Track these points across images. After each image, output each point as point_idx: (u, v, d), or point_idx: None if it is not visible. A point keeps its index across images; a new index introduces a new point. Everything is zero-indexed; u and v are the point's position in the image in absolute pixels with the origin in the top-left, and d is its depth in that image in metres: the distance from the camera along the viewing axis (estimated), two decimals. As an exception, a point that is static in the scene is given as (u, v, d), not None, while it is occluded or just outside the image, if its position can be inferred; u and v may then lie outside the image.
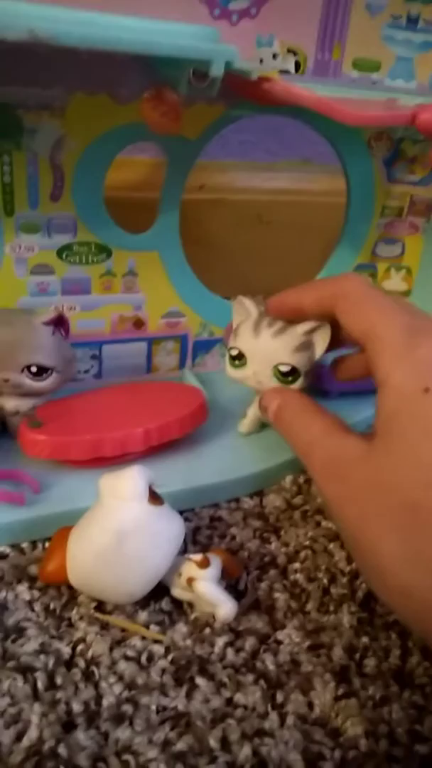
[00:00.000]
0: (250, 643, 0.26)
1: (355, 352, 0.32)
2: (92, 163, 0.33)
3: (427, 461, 0.23)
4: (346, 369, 0.32)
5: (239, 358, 0.33)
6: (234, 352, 0.33)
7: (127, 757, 0.22)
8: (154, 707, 0.23)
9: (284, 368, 0.31)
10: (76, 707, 0.23)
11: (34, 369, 0.31)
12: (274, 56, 0.35)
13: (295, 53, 0.35)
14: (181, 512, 0.31)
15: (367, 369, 0.30)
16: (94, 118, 0.32)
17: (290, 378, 0.32)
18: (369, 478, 0.24)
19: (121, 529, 0.25)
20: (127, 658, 0.25)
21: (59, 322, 0.32)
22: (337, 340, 0.31)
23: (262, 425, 0.37)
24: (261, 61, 0.35)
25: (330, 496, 0.26)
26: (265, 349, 0.32)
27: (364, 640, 0.27)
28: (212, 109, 0.35)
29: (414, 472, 0.23)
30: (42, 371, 0.31)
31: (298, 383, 0.32)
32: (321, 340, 0.32)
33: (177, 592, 0.27)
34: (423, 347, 0.25)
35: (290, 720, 0.23)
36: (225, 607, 0.26)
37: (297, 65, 0.36)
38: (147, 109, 0.32)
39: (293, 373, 0.32)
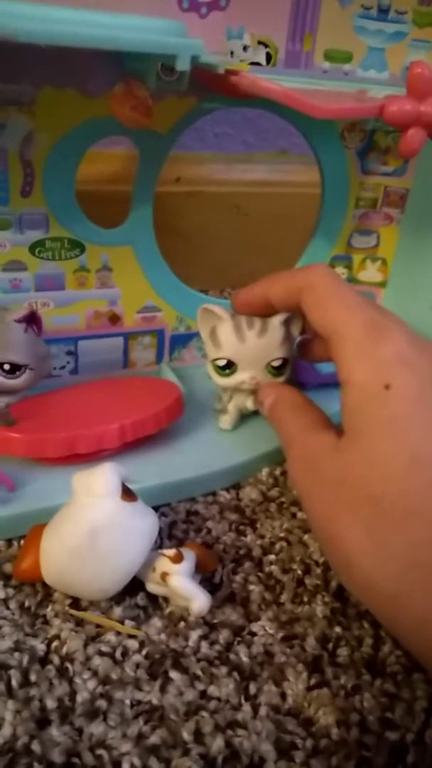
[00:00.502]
0: (224, 635, 0.26)
1: (315, 338, 0.33)
2: (63, 157, 0.33)
3: (388, 457, 0.23)
4: (312, 349, 0.33)
5: (228, 367, 0.33)
6: (222, 363, 0.33)
7: (100, 751, 0.22)
8: (128, 701, 0.24)
9: (277, 363, 0.33)
10: (50, 704, 0.23)
11: (7, 367, 0.31)
12: (245, 48, 0.35)
13: (266, 45, 0.35)
14: (157, 507, 0.31)
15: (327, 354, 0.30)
16: (64, 112, 0.32)
17: (282, 370, 0.33)
18: (336, 472, 0.25)
19: (94, 526, 0.25)
20: (101, 653, 0.25)
21: (32, 319, 0.32)
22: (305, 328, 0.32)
23: (242, 418, 0.37)
24: (231, 53, 0.34)
25: (302, 491, 0.26)
26: (255, 351, 0.33)
27: (337, 630, 0.27)
28: (183, 102, 0.35)
29: (376, 468, 0.23)
30: (15, 369, 0.31)
31: (287, 371, 0.34)
32: (295, 328, 0.33)
33: (151, 587, 0.27)
34: (383, 344, 0.25)
35: (263, 711, 0.24)
36: (199, 600, 0.26)
37: (268, 57, 0.35)
38: (117, 103, 0.31)
39: (284, 364, 0.33)
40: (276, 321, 0.32)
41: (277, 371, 0.33)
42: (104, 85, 0.32)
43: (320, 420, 0.29)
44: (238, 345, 0.32)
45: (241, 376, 0.33)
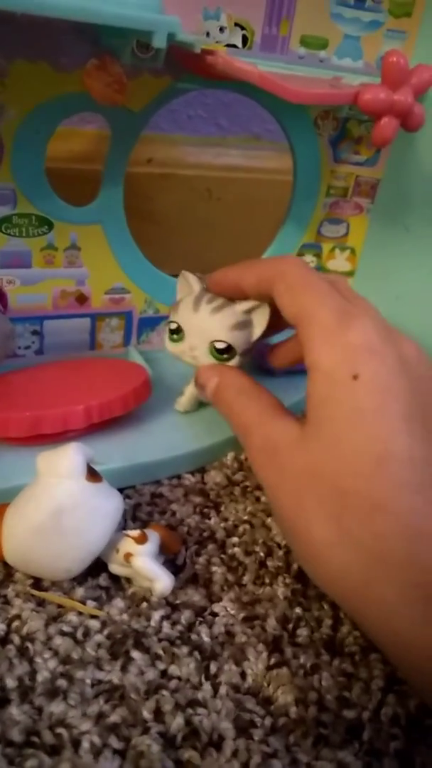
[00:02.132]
0: (185, 616, 0.26)
1: (291, 338, 0.33)
2: (33, 132, 0.32)
3: (354, 450, 0.23)
4: (282, 355, 0.33)
5: (177, 332, 0.33)
6: (173, 326, 0.33)
7: (60, 730, 0.22)
8: (88, 681, 0.24)
9: (220, 345, 0.32)
10: (10, 683, 0.23)
11: (-30, 344, 0.30)
12: (221, 30, 0.34)
13: (242, 27, 0.35)
14: (122, 489, 0.31)
15: (297, 354, 0.30)
16: (35, 86, 0.32)
17: (225, 356, 0.32)
18: (301, 465, 0.25)
19: (58, 505, 0.25)
20: (62, 633, 0.25)
21: (-3, 296, 0.31)
22: (277, 323, 0.31)
23: (200, 403, 0.37)
24: (207, 34, 0.34)
25: (265, 482, 0.26)
26: (202, 324, 0.32)
27: (297, 611, 0.28)
28: (158, 81, 0.34)
29: (342, 461, 0.23)
30: (-21, 346, 0.31)
31: (234, 361, 0.32)
32: (260, 320, 0.32)
33: (115, 567, 0.27)
34: (353, 330, 0.25)
35: (223, 690, 0.24)
36: (162, 581, 0.26)
37: (244, 40, 0.35)
38: (90, 78, 0.31)
39: (228, 351, 0.32)
40: (238, 307, 0.32)
41: (219, 354, 0.32)
42: (78, 60, 0.31)
43: (273, 405, 0.29)
44: (191, 313, 0.32)
45: (182, 345, 0.33)
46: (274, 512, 0.27)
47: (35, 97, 0.32)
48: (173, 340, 0.33)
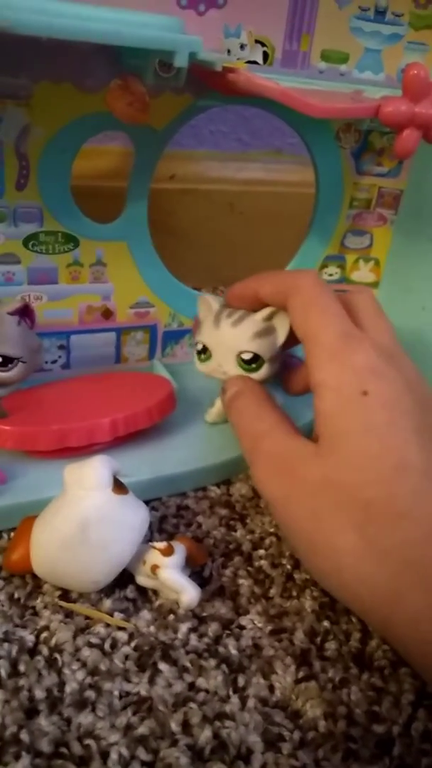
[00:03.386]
0: (213, 628, 0.26)
1: (304, 365, 0.33)
2: (58, 151, 0.33)
3: (374, 462, 0.24)
4: (297, 381, 0.33)
5: (204, 352, 0.33)
6: (199, 347, 0.34)
7: (88, 741, 0.22)
8: (116, 693, 0.24)
9: (246, 356, 0.32)
10: (39, 694, 0.23)
11: (-1, 359, 0.31)
12: (242, 47, 0.35)
13: (263, 44, 0.35)
14: (148, 501, 0.31)
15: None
16: (60, 106, 0.32)
17: (254, 365, 0.32)
18: (319, 477, 0.25)
19: (85, 518, 0.25)
20: (90, 645, 0.25)
21: (25, 312, 0.32)
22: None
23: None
24: (228, 51, 0.35)
25: (278, 493, 0.26)
26: (225, 339, 0.32)
27: (326, 624, 0.27)
28: (180, 99, 0.35)
29: (361, 472, 0.24)
30: (7, 361, 0.31)
31: (263, 370, 0.32)
32: (282, 325, 0.32)
33: (141, 579, 0.28)
34: (357, 354, 0.26)
35: (251, 703, 0.24)
36: (189, 593, 0.26)
37: (265, 56, 0.36)
38: (113, 98, 0.32)
39: (256, 360, 0.32)
40: (258, 315, 0.32)
41: (247, 365, 0.32)
42: (101, 81, 0.32)
43: (286, 421, 0.29)
44: (213, 331, 0.33)
45: (211, 364, 0.33)
46: (284, 526, 0.27)
47: (60, 117, 0.33)
48: (201, 360, 0.34)
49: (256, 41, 0.35)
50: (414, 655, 0.23)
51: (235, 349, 0.32)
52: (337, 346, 0.26)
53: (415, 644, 0.22)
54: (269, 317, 0.32)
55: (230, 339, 0.32)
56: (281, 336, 0.32)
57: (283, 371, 0.36)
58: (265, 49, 0.35)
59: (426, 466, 0.23)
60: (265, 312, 0.32)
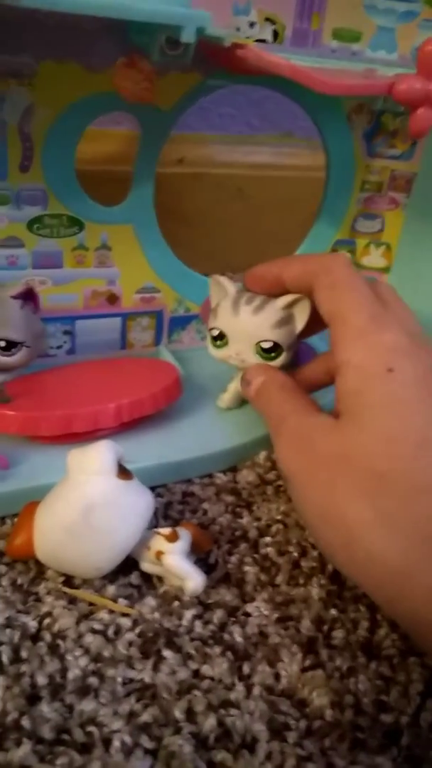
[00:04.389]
0: (218, 615, 0.26)
1: (312, 362, 0.32)
2: (63, 132, 0.33)
3: (392, 435, 0.24)
4: (306, 379, 0.32)
5: (220, 338, 0.33)
6: (215, 333, 0.33)
7: (91, 728, 0.22)
8: (119, 679, 0.23)
9: (266, 345, 0.31)
10: (41, 680, 0.23)
11: (2, 343, 0.31)
12: (252, 25, 0.34)
13: (272, 22, 0.34)
14: (154, 487, 0.31)
15: (325, 377, 0.30)
16: (65, 86, 0.32)
17: (273, 354, 0.32)
18: (337, 449, 0.25)
19: (89, 503, 0.25)
20: (93, 631, 0.25)
21: (28, 296, 0.31)
22: (316, 322, 0.31)
23: (243, 401, 0.37)
24: (237, 29, 0.34)
25: (296, 467, 0.26)
26: (245, 326, 0.32)
27: (333, 612, 0.27)
28: (187, 78, 0.34)
29: (381, 445, 0.24)
30: (11, 346, 0.31)
31: (281, 358, 0.32)
32: (301, 313, 0.32)
33: (146, 565, 0.27)
34: (386, 334, 0.26)
35: (256, 691, 0.24)
36: (194, 580, 0.26)
37: (275, 35, 0.35)
38: (120, 77, 0.31)
39: (276, 348, 0.32)
40: (278, 303, 0.31)
41: (266, 354, 0.32)
42: (107, 59, 0.31)
43: (313, 404, 0.29)
44: (232, 318, 0.32)
45: (228, 350, 0.33)
46: (300, 501, 0.26)
47: (65, 97, 0.32)
48: (217, 347, 0.33)
49: (266, 19, 0.34)
50: (424, 633, 0.22)
51: (256, 338, 0.32)
52: (367, 326, 0.26)
53: (425, 622, 0.22)
54: (290, 305, 0.31)
55: (251, 327, 0.32)
56: (300, 324, 0.32)
57: (293, 368, 0.35)
58: (274, 27, 0.35)
59: None
60: (287, 299, 0.31)
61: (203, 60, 0.33)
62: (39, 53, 0.31)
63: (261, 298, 0.32)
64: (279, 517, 0.31)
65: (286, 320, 0.32)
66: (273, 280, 0.31)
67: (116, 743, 0.21)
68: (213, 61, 0.33)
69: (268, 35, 0.35)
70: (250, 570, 0.28)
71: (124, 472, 0.26)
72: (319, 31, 0.36)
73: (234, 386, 0.36)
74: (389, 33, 0.37)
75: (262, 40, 0.35)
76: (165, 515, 0.31)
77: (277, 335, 0.32)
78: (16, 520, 0.28)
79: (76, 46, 0.31)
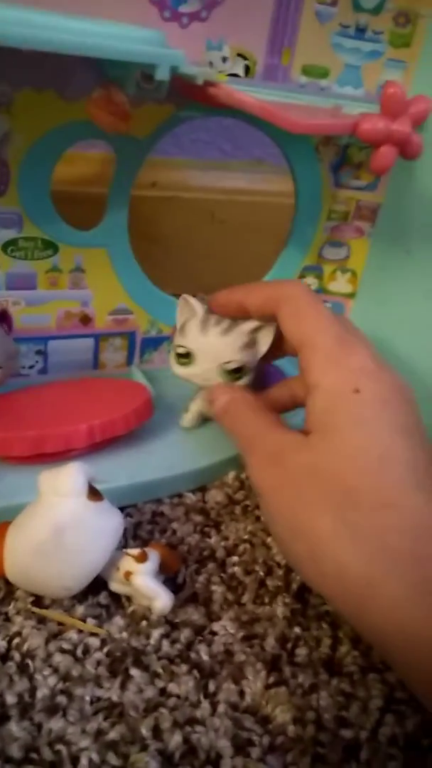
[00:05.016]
0: (185, 634, 0.27)
1: (277, 386, 0.33)
2: (39, 159, 0.33)
3: (358, 451, 0.25)
4: (272, 402, 0.33)
5: (186, 356, 0.33)
6: (181, 350, 0.34)
7: (59, 747, 0.22)
8: (88, 698, 0.24)
9: (231, 366, 0.32)
10: (10, 699, 0.23)
11: (-24, 364, 0.31)
12: (224, 60, 0.35)
13: (244, 57, 0.36)
14: (123, 507, 0.31)
15: (290, 401, 0.32)
16: (42, 114, 0.32)
17: (237, 375, 0.33)
18: (306, 465, 0.26)
19: (59, 524, 0.25)
20: (62, 650, 0.25)
21: (2, 318, 0.32)
22: (281, 346, 0.32)
23: (204, 420, 0.38)
24: (210, 64, 0.35)
25: (266, 485, 0.27)
26: (212, 347, 0.33)
27: (297, 630, 0.28)
28: (162, 109, 0.35)
29: (347, 461, 0.25)
30: (-16, 366, 0.31)
31: (245, 379, 0.33)
32: (264, 338, 0.33)
33: (115, 586, 0.28)
34: (353, 356, 0.27)
35: (221, 708, 0.24)
36: (162, 599, 0.27)
37: (246, 69, 0.36)
38: (95, 107, 0.32)
39: (240, 370, 0.33)
40: (245, 327, 0.33)
41: (231, 374, 0.33)
42: (83, 89, 0.32)
43: (278, 420, 0.30)
44: (199, 337, 0.33)
45: (194, 369, 0.34)
46: (270, 515, 0.27)
47: (41, 124, 0.33)
48: (182, 364, 0.34)
49: (238, 54, 0.36)
50: (387, 645, 0.23)
51: (222, 358, 0.32)
52: (334, 349, 0.28)
53: (388, 633, 0.22)
54: (255, 330, 0.33)
55: (218, 348, 0.33)
56: (263, 348, 0.33)
57: (260, 390, 0.36)
58: (246, 62, 0.36)
59: (412, 461, 0.24)
60: (253, 324, 0.32)
61: (177, 93, 0.34)
62: (16, 82, 0.31)
63: (229, 321, 0.33)
64: (246, 537, 0.32)
65: (251, 343, 0.33)
66: (236, 306, 0.32)
67: (83, 761, 0.22)
68: (186, 94, 0.34)
69: (240, 70, 0.36)
70: (217, 589, 0.29)
71: (94, 494, 0.27)
72: (288, 67, 0.37)
73: (195, 406, 0.37)
74: (355, 70, 0.39)
75: (235, 74, 0.36)
76: (134, 535, 0.32)
77: (242, 357, 0.33)
78: (-14, 540, 0.28)
79: (53, 76, 0.32)
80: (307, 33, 0.37)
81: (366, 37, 0.38)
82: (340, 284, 0.46)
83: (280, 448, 0.28)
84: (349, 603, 0.24)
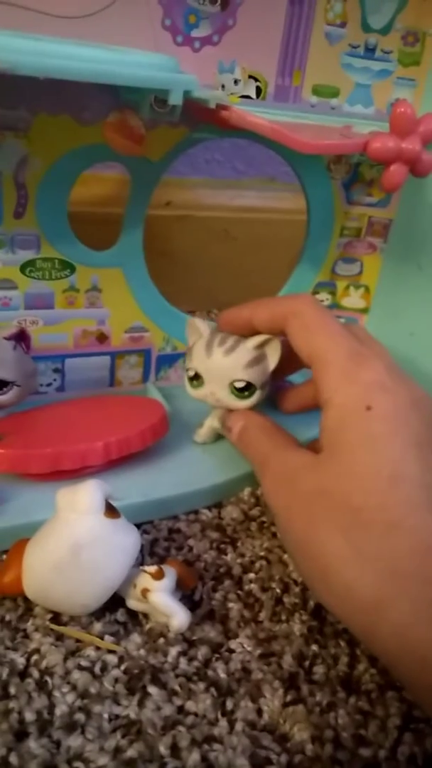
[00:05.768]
0: (202, 652, 0.27)
1: (299, 385, 0.34)
2: (56, 182, 0.34)
3: (367, 471, 0.25)
4: (291, 401, 0.34)
5: (196, 378, 0.34)
6: (191, 373, 0.34)
7: (78, 764, 0.22)
8: (106, 715, 0.24)
9: (239, 384, 0.33)
10: (29, 716, 0.23)
11: (-5, 383, 0.32)
12: (236, 82, 0.36)
13: (256, 79, 0.37)
14: (140, 524, 0.32)
15: (311, 400, 0.32)
16: (58, 138, 0.33)
17: (246, 393, 0.33)
18: (316, 485, 0.26)
19: (77, 541, 0.26)
20: (80, 668, 0.25)
21: (21, 337, 0.33)
22: (291, 359, 0.32)
23: (218, 436, 0.38)
24: (222, 86, 0.36)
25: (279, 504, 0.27)
26: (218, 367, 0.33)
27: (314, 648, 0.28)
28: (175, 131, 0.36)
29: (356, 481, 0.25)
30: (2, 385, 0.32)
31: (255, 397, 0.33)
32: (273, 353, 0.33)
33: (132, 603, 0.28)
34: (365, 371, 0.27)
35: (239, 726, 0.24)
36: (179, 617, 0.27)
37: (258, 91, 0.37)
38: (110, 131, 0.33)
39: (248, 388, 0.33)
40: (249, 343, 0.33)
41: (240, 393, 0.33)
42: (98, 114, 0.33)
43: (292, 441, 0.31)
44: (205, 359, 0.33)
45: (204, 390, 0.34)
46: (284, 535, 0.27)
47: (58, 148, 0.34)
48: (194, 387, 0.34)
49: (250, 76, 0.36)
50: (398, 667, 0.23)
51: (228, 378, 0.33)
52: (347, 364, 0.27)
53: (398, 654, 0.22)
54: (261, 345, 0.33)
55: (223, 368, 0.33)
56: (272, 363, 0.33)
57: (276, 391, 0.37)
58: (258, 84, 0.37)
59: (422, 479, 0.24)
60: (257, 340, 0.32)
61: (190, 116, 0.35)
62: (34, 107, 0.32)
63: (233, 338, 0.33)
64: (262, 554, 0.32)
65: (258, 360, 0.33)
66: (243, 323, 0.33)
67: (102, 779, 0.22)
68: (199, 117, 0.35)
69: (251, 92, 0.37)
70: (234, 606, 0.29)
71: (111, 511, 0.27)
72: (299, 88, 0.38)
73: (210, 422, 0.38)
74: (366, 89, 0.40)
75: (246, 96, 0.37)
76: (151, 552, 0.32)
77: (249, 375, 0.33)
78: (5, 557, 0.29)
79: (70, 101, 0.33)
80: (317, 54, 0.37)
81: (375, 56, 0.39)
82: (353, 300, 0.46)
83: (291, 468, 0.28)
84: (359, 624, 0.24)
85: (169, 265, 0.54)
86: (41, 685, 0.25)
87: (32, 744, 0.22)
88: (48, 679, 0.25)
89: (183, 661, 0.26)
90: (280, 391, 0.38)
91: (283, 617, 0.29)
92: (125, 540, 0.27)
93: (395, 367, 0.28)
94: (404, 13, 0.38)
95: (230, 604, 0.29)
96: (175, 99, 0.28)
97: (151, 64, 0.28)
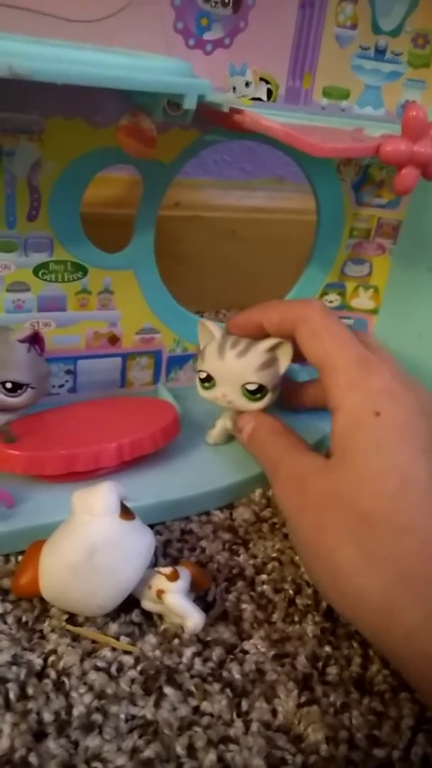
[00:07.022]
0: (217, 653, 0.27)
1: (309, 382, 0.34)
2: (69, 184, 0.34)
3: (376, 476, 0.25)
4: (300, 397, 0.34)
5: (208, 380, 0.34)
6: (202, 375, 0.34)
7: (96, 764, 0.22)
8: (123, 716, 0.24)
9: (251, 387, 0.33)
10: (47, 717, 0.24)
11: (9, 385, 0.32)
12: (247, 84, 0.36)
13: (267, 81, 0.37)
14: (152, 525, 0.32)
15: (316, 398, 0.32)
16: (71, 141, 0.33)
17: (258, 395, 0.33)
18: (327, 489, 0.26)
19: (93, 543, 0.26)
20: (97, 668, 0.26)
21: (35, 340, 0.33)
22: (300, 355, 0.33)
23: (230, 437, 0.38)
24: (234, 89, 0.36)
25: (290, 507, 0.28)
26: (230, 370, 0.33)
27: (327, 649, 0.28)
28: (187, 134, 0.36)
29: (367, 485, 0.25)
30: (17, 387, 0.32)
31: (267, 399, 0.34)
32: (284, 356, 0.33)
33: (147, 604, 0.28)
34: (373, 377, 0.27)
35: (254, 727, 0.24)
36: (193, 618, 0.27)
37: (269, 93, 0.37)
38: (123, 134, 0.33)
39: (260, 390, 0.33)
40: (261, 346, 0.33)
41: (252, 395, 0.33)
42: (111, 117, 0.33)
43: (302, 443, 0.31)
44: (217, 361, 0.34)
45: (215, 392, 0.34)
46: (295, 538, 0.28)
47: (71, 151, 0.34)
48: (205, 388, 0.35)
49: (261, 79, 0.36)
50: (409, 670, 0.23)
51: (241, 381, 0.33)
52: (354, 371, 0.28)
53: (409, 658, 0.23)
54: (272, 348, 0.33)
55: (235, 370, 0.33)
56: (283, 366, 0.33)
57: (284, 389, 0.37)
58: (269, 86, 0.37)
59: (430, 483, 0.24)
60: (269, 343, 0.33)
61: (202, 118, 0.35)
62: (48, 111, 0.32)
63: (245, 341, 0.34)
64: (274, 555, 0.32)
65: (270, 362, 0.33)
66: (253, 327, 0.33)
67: (120, 779, 0.22)
68: (211, 119, 0.35)
69: (262, 94, 0.37)
70: (248, 608, 0.29)
71: (126, 513, 0.28)
72: (310, 90, 0.38)
73: (222, 423, 0.38)
74: (376, 91, 0.40)
75: (257, 98, 0.37)
76: (164, 553, 0.32)
77: (261, 377, 0.33)
78: (21, 558, 0.29)
79: (83, 105, 0.33)
80: (327, 56, 0.37)
81: (385, 58, 0.39)
82: (362, 301, 0.47)
83: (301, 471, 0.28)
84: (370, 627, 0.24)
85: (177, 266, 0.54)
86: (59, 686, 0.25)
87: (51, 744, 0.23)
88: (65, 679, 0.25)
89: (198, 661, 0.27)
90: (286, 388, 0.38)
91: (296, 618, 0.29)
92: (140, 542, 0.27)
93: (402, 374, 0.29)
94: (414, 15, 0.38)
95: (243, 606, 0.30)
96: (190, 104, 0.28)
97: (166, 69, 0.28)
